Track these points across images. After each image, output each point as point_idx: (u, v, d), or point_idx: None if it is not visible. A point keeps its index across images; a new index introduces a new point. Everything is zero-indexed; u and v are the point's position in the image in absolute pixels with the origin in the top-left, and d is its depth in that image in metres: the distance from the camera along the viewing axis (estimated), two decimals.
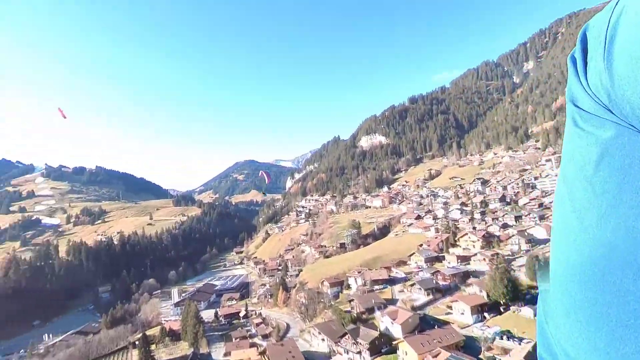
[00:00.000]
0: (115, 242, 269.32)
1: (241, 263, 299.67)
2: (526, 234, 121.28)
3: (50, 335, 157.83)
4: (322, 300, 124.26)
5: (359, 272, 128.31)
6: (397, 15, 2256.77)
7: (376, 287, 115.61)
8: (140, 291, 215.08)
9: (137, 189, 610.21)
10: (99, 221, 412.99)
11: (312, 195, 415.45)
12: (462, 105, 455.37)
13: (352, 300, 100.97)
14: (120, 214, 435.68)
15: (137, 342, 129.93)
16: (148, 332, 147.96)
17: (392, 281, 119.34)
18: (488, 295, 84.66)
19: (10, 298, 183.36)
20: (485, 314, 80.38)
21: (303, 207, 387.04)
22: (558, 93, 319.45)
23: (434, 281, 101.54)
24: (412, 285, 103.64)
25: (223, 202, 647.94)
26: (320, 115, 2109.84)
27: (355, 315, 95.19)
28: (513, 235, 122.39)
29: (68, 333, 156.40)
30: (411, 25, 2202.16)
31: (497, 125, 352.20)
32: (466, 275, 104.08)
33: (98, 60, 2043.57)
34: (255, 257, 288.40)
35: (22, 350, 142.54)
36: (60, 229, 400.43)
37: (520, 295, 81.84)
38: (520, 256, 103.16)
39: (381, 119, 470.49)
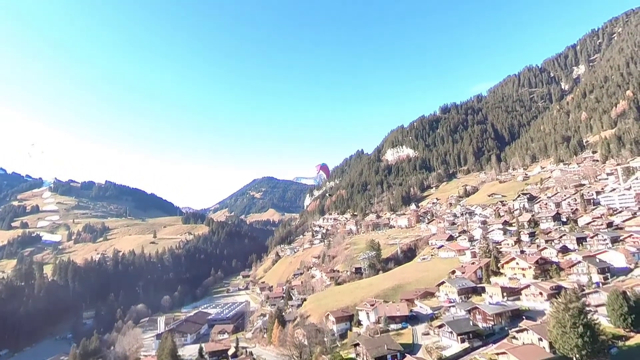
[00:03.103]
0: (108, 262, 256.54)
1: (246, 288, 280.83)
2: (597, 260, 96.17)
3: None
4: (324, 339, 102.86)
5: (372, 305, 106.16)
6: (430, 21, 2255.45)
7: (393, 325, 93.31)
8: (126, 318, 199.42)
9: (147, 206, 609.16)
10: (101, 238, 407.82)
11: (330, 214, 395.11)
12: (501, 115, 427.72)
13: (358, 344, 79.25)
14: (124, 232, 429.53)
15: None
16: None
17: (414, 319, 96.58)
18: (551, 346, 61.56)
19: None
20: None
21: (320, 226, 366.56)
22: (618, 97, 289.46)
23: (471, 322, 78.46)
24: (440, 326, 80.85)
25: (237, 220, 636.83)
26: (345, 130, 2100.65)
27: None
28: (578, 262, 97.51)
29: None
30: (446, 31, 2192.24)
31: (544, 136, 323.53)
32: (516, 314, 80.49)
33: (119, 79, 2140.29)
34: (263, 282, 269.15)
35: None
36: (60, 247, 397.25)
37: (603, 349, 58.30)
38: (595, 291, 78.40)
39: (409, 130, 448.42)
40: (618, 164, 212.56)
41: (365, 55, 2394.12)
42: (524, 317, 76.63)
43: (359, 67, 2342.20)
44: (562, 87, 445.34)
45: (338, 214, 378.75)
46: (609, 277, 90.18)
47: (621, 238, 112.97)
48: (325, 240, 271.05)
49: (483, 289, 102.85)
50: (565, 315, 58.97)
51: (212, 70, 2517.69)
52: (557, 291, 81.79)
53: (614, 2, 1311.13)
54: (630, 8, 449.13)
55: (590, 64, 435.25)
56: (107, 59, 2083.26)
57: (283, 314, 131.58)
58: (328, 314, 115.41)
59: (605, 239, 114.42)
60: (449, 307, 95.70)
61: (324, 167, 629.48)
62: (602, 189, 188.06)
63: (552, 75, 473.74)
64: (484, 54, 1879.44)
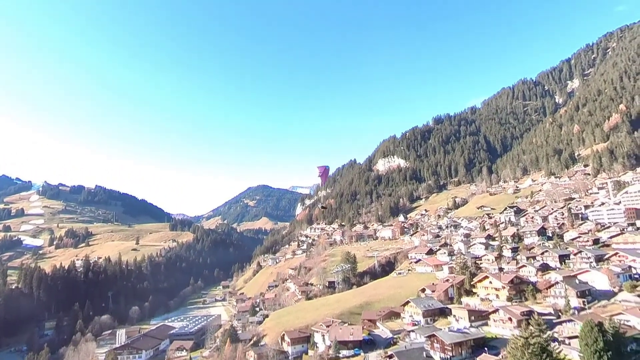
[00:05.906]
0: (78, 269, 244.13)
1: (224, 300, 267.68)
2: (577, 281, 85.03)
3: None
4: None
5: (327, 327, 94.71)
6: (427, 35, 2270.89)
7: (344, 352, 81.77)
8: (87, 330, 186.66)
9: (136, 211, 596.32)
10: (83, 244, 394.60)
11: (318, 224, 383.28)
12: (494, 127, 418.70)
13: None
14: (107, 237, 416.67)
15: None
16: None
17: (370, 344, 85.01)
18: None
19: None
20: None
21: (307, 236, 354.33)
22: (611, 111, 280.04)
23: (426, 352, 67.11)
24: (390, 356, 69.30)
25: (227, 229, 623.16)
26: (343, 140, 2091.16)
27: None
28: (556, 283, 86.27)
29: None
30: (442, 45, 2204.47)
31: (536, 148, 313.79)
32: (480, 344, 69.14)
33: (127, 88, 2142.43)
34: (242, 293, 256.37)
35: None
36: (41, 251, 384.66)
37: None
38: (570, 319, 67.24)
39: (401, 140, 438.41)
40: (609, 178, 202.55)
41: (363, 67, 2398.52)
42: (485, 349, 65.11)
43: (356, 78, 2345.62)
44: (556, 100, 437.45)
45: (326, 223, 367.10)
46: (587, 301, 78.73)
47: (606, 257, 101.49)
48: (307, 251, 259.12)
49: (451, 311, 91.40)
50: (524, 352, 47.65)
51: (210, 79, 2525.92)
52: (528, 317, 70.42)
53: (609, 18, 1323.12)
54: (625, 24, 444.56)
55: (585, 78, 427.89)
56: (103, 63, 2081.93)
57: (238, 332, 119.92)
58: (284, 334, 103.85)
59: (589, 257, 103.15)
60: (410, 331, 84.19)
61: (325, 171, 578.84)
62: (592, 203, 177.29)
63: (546, 88, 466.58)
64: (480, 66, 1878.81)
